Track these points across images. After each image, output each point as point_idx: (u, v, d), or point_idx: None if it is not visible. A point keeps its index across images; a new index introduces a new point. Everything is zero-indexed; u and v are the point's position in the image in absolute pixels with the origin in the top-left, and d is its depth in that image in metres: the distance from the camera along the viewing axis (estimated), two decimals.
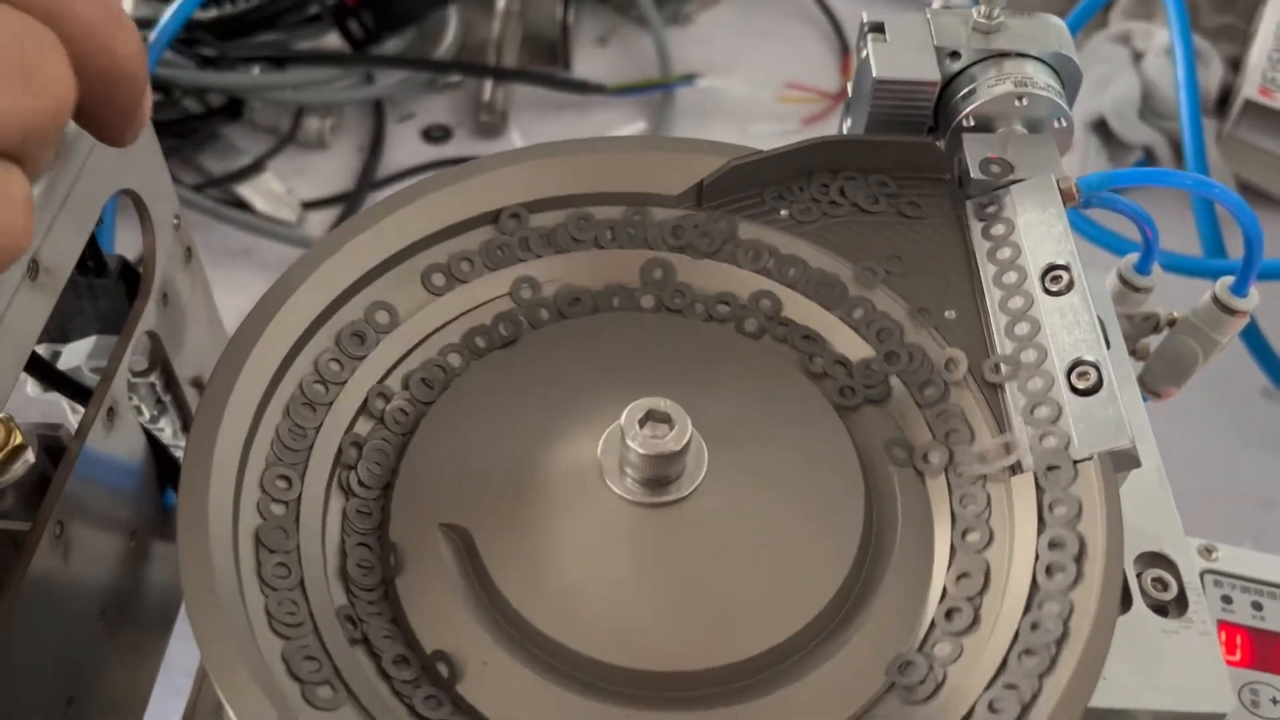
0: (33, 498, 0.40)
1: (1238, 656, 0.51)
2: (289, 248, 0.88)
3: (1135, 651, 0.34)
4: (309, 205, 0.92)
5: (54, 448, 0.41)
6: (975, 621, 0.33)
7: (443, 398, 0.38)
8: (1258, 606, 0.52)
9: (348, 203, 0.92)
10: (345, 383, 0.37)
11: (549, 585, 0.33)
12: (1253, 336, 0.75)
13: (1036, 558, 0.32)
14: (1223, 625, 0.52)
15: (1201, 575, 0.53)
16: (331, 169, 0.95)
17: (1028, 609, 0.32)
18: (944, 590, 0.34)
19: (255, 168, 0.92)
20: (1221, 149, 0.92)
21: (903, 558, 0.35)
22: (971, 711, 0.31)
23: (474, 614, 0.33)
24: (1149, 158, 0.91)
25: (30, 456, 0.40)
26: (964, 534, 0.35)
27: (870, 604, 0.34)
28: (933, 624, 0.33)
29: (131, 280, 0.47)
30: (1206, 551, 0.53)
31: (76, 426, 0.41)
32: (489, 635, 0.33)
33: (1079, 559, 0.32)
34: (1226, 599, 0.52)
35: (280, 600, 0.32)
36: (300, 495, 0.34)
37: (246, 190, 0.91)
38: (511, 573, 0.33)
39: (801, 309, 0.40)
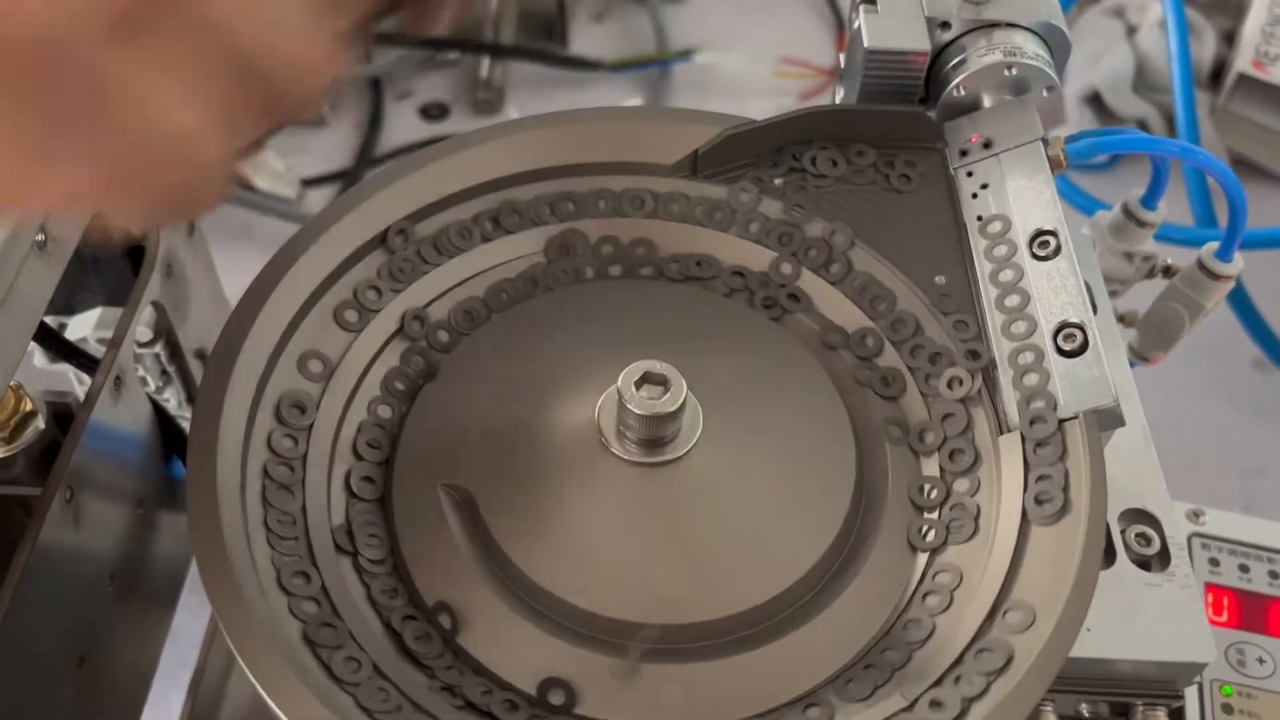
0: (42, 464, 0.41)
1: (1224, 617, 0.52)
2: (289, 225, 0.88)
3: (1118, 604, 0.35)
4: (308, 182, 0.92)
5: (63, 414, 0.42)
6: (978, 457, 0.36)
7: (442, 367, 0.38)
8: (1244, 569, 0.53)
9: (347, 179, 0.92)
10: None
11: (552, 544, 0.34)
12: (1244, 307, 0.75)
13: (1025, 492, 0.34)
14: (1210, 587, 0.53)
15: (1189, 538, 0.54)
16: (330, 146, 0.95)
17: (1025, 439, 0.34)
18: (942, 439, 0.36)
19: (254, 145, 0.93)
20: (1215, 122, 0.92)
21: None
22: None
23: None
24: (1142, 130, 0.91)
25: (40, 423, 0.40)
26: (950, 457, 0.37)
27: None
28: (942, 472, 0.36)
29: (135, 254, 0.48)
30: (1195, 515, 0.54)
31: (84, 396, 0.41)
32: (493, 593, 0.33)
33: (1064, 508, 0.33)
34: (1214, 561, 0.53)
35: (368, 692, 0.31)
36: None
37: (246, 167, 0.92)
38: (513, 531, 0.34)
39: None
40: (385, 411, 0.38)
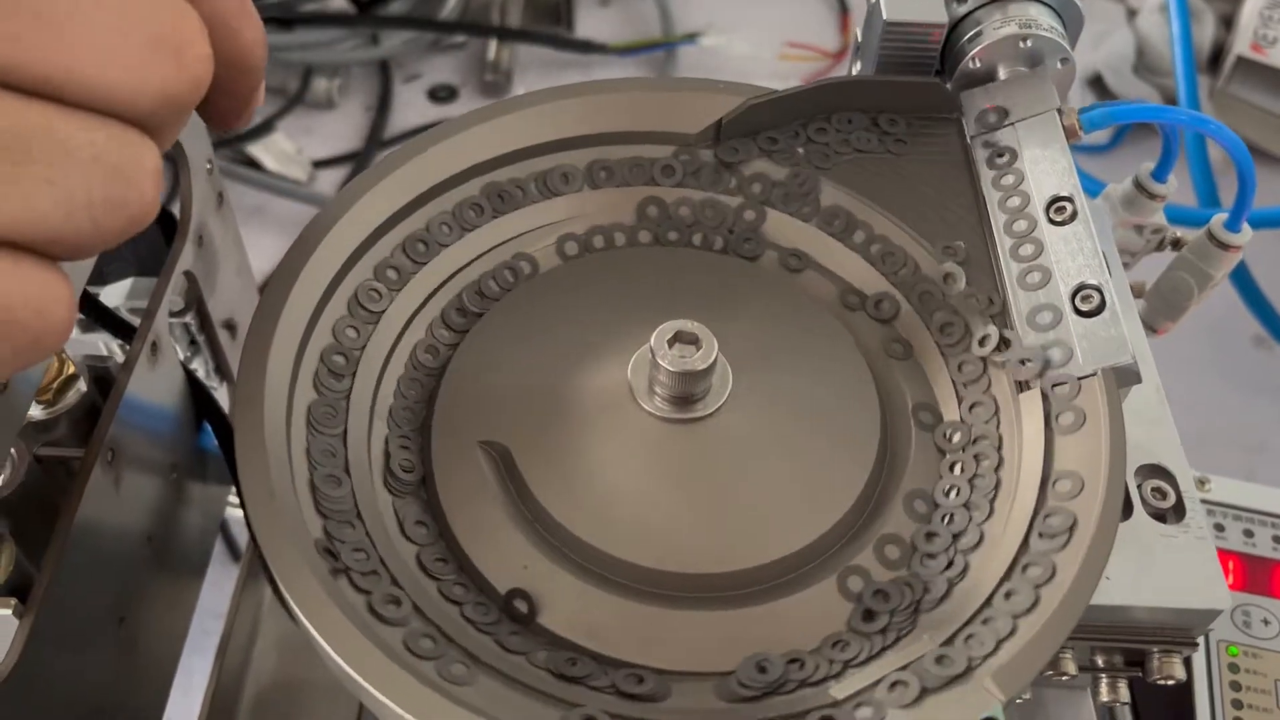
0: (83, 426, 0.42)
1: (1230, 580, 0.54)
2: (301, 205, 0.89)
3: (1135, 555, 0.37)
4: (319, 164, 0.93)
5: (102, 379, 0.43)
6: (998, 413, 0.37)
7: (475, 328, 0.39)
8: (1249, 534, 0.55)
9: (357, 161, 0.93)
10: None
11: (586, 496, 0.35)
12: (1246, 284, 0.77)
13: (1045, 475, 0.35)
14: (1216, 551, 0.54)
15: None
16: (340, 128, 0.96)
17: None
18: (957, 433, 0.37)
19: (265, 127, 0.94)
20: (1214, 105, 0.94)
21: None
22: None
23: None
24: None
25: (82, 385, 0.41)
26: (971, 409, 0.38)
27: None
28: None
29: (167, 224, 0.48)
30: (1200, 483, 0.56)
31: (121, 362, 0.42)
32: (536, 550, 0.35)
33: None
34: (1219, 527, 0.55)
35: (410, 634, 0.32)
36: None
37: (257, 150, 0.93)
38: (550, 485, 0.35)
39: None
40: (422, 371, 0.39)
